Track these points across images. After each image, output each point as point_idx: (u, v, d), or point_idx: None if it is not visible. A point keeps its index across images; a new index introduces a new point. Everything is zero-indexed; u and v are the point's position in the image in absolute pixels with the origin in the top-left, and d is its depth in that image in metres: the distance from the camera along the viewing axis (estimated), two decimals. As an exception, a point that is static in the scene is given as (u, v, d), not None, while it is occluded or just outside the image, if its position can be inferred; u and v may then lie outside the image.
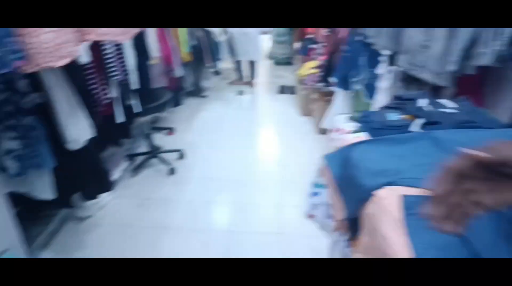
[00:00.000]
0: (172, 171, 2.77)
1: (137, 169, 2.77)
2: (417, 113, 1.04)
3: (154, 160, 2.86)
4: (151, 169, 2.83)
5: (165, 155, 2.88)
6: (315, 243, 1.77)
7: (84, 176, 1.94)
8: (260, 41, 4.50)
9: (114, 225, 2.22)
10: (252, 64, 4.66)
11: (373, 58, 1.83)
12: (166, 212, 2.33)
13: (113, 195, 2.44)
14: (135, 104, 2.32)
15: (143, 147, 2.98)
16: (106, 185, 2.15)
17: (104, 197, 2.31)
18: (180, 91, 3.59)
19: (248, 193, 2.55)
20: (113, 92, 2.03)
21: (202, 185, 2.64)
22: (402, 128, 1.02)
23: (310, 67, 3.24)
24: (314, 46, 3.40)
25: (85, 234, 2.13)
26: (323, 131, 3.10)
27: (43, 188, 1.64)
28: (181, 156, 2.98)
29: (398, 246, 0.63)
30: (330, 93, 2.77)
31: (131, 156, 2.86)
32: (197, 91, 4.30)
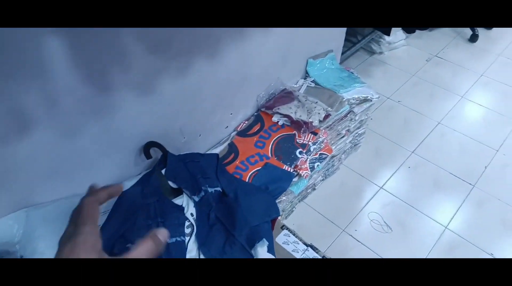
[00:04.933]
0: (474, 38, 2.62)
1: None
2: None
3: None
4: (452, 29, 2.75)
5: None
6: None
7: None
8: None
9: (399, 68, 2.42)
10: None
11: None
12: (453, 76, 2.37)
13: (406, 41, 2.58)
14: None
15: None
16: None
17: (399, 40, 2.53)
18: None
19: None
20: None
21: (503, 65, 2.45)
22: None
23: None
24: None
25: (372, 66, 2.43)
26: None
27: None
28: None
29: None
30: None
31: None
32: None
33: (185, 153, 1.18)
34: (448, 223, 1.61)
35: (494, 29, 2.74)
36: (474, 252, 1.52)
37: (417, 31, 2.46)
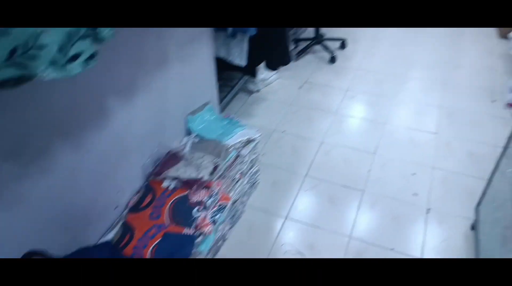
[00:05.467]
0: (333, 60, 2.97)
1: (300, 53, 3.03)
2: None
3: (317, 47, 3.11)
4: (313, 56, 3.07)
5: (328, 43, 3.05)
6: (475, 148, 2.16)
7: (272, 46, 2.24)
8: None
9: (277, 101, 2.60)
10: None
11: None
12: (324, 97, 2.63)
13: (278, 75, 2.78)
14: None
15: (308, 33, 3.21)
16: (287, 58, 2.39)
17: (271, 75, 2.72)
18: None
19: (408, 89, 2.69)
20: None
21: (361, 77, 2.81)
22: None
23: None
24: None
25: (253, 104, 2.56)
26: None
27: (240, 54, 1.99)
28: (343, 46, 3.15)
29: None
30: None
31: (297, 41, 3.10)
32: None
33: (72, 251, 1.11)
34: (351, 233, 1.76)
35: (347, 48, 3.16)
36: (378, 252, 1.67)
37: (281, 67, 2.70)
